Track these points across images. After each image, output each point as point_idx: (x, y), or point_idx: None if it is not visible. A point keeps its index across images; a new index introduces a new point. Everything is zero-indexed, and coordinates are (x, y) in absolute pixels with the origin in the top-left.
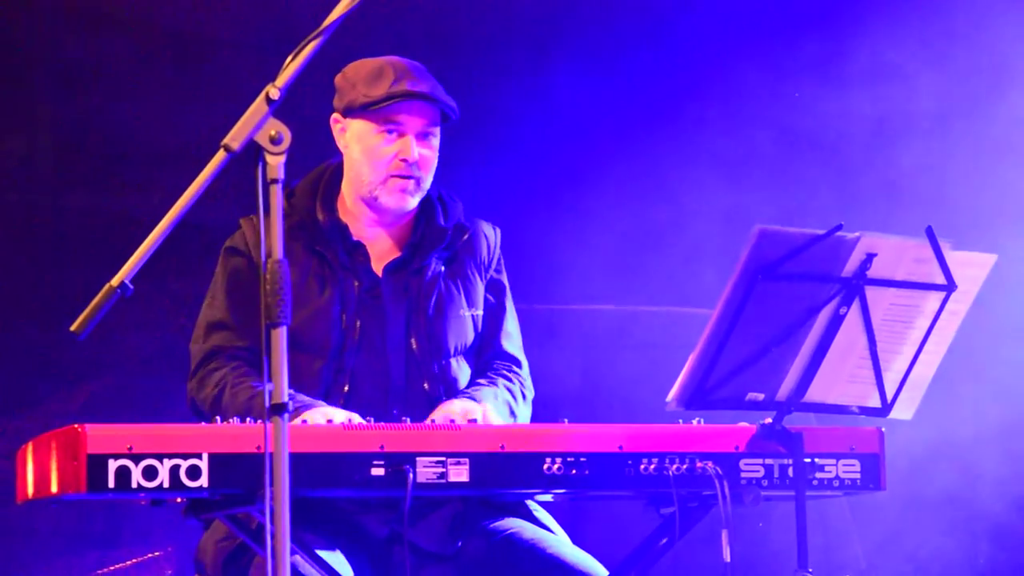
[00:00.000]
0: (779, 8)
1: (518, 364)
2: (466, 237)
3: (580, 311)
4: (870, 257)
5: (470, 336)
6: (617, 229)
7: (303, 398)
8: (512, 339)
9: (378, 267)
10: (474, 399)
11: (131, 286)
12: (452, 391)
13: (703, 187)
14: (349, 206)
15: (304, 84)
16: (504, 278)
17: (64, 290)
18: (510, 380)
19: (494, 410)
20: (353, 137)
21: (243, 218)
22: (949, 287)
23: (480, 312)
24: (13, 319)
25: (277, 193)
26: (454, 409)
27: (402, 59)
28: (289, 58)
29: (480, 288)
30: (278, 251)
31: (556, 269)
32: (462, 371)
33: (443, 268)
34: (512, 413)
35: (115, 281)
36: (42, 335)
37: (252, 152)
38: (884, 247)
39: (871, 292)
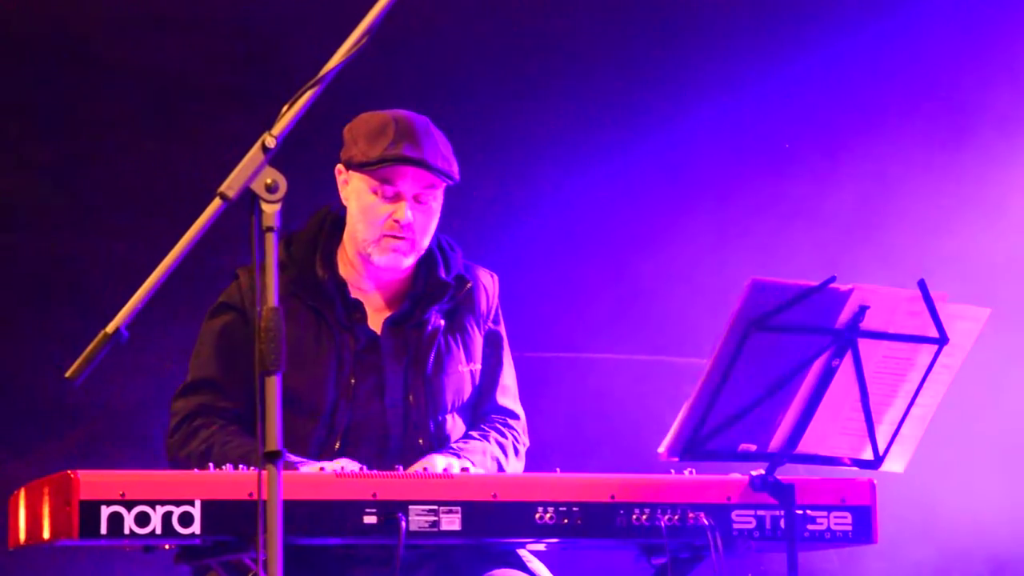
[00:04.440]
0: (770, 69)
1: (514, 417)
2: (467, 288)
3: (573, 359)
4: (863, 309)
5: (468, 391)
6: (611, 278)
7: (294, 458)
8: (509, 392)
9: (376, 322)
10: (457, 455)
11: (126, 332)
12: (445, 447)
13: (696, 237)
14: (350, 257)
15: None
16: (502, 328)
17: (59, 335)
18: (503, 435)
19: (479, 467)
20: (352, 192)
21: (240, 268)
22: (942, 340)
23: (479, 366)
24: (5, 363)
25: (272, 241)
26: (436, 464)
27: (409, 116)
28: (286, 106)
29: (479, 342)
30: (273, 299)
31: (549, 317)
32: (456, 427)
33: (443, 322)
34: (500, 468)
35: (110, 328)
36: (35, 380)
37: (248, 200)
38: (877, 299)
39: (864, 344)
